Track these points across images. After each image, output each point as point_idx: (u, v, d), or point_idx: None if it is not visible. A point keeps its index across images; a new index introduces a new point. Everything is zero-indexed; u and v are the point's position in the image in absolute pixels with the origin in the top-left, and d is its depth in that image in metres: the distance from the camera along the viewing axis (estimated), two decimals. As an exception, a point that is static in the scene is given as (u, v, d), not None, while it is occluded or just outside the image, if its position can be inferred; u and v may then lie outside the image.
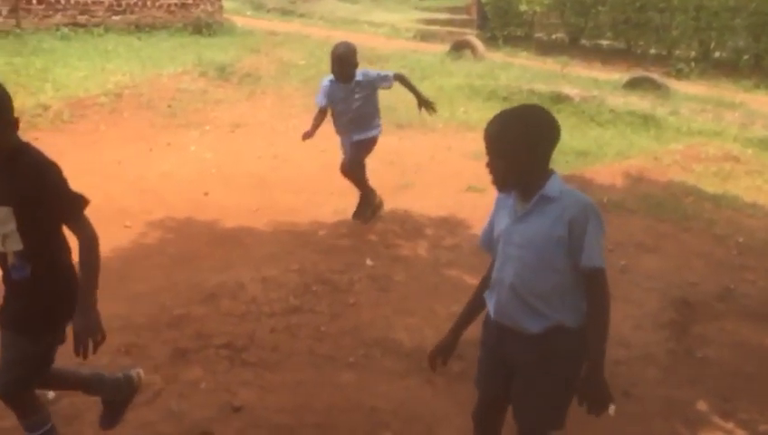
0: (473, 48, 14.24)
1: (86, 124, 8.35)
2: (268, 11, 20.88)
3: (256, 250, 5.07)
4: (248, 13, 19.48)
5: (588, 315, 2.19)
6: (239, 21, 15.62)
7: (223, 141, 8.25)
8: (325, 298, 4.34)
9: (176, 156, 7.55)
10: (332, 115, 5.49)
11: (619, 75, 13.14)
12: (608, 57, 15.94)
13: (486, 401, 2.49)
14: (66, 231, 2.49)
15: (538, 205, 2.19)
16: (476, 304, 2.48)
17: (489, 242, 2.39)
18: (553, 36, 17.88)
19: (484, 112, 10.08)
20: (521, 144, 2.16)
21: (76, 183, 6.34)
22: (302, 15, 20.35)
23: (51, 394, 3.17)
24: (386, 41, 16.00)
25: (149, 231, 5.45)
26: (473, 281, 4.68)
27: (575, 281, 2.18)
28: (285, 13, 20.72)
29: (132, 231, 5.43)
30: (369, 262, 4.87)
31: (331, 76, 5.41)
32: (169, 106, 9.33)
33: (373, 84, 5.39)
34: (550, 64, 14.18)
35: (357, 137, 5.40)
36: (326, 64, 11.97)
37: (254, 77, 11.00)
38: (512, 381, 2.34)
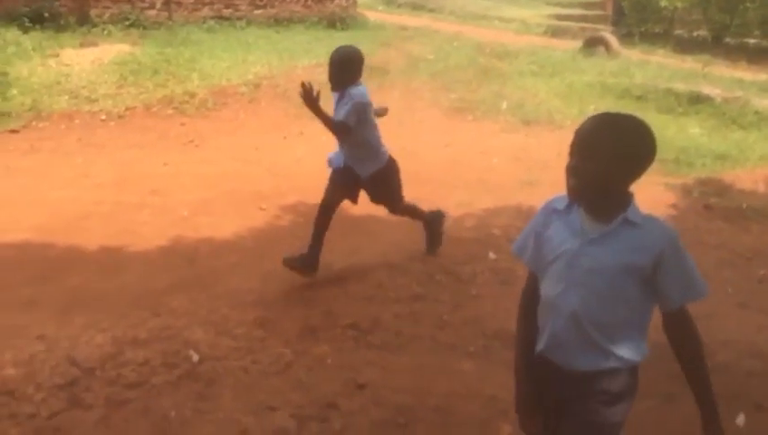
0: (606, 44, 13.80)
1: (227, 112, 8.87)
2: (399, 6, 21.17)
3: (382, 238, 5.23)
4: (380, 8, 19.85)
5: (690, 356, 1.97)
6: (371, 15, 15.97)
7: (352, 132, 8.51)
8: (448, 288, 4.42)
9: (307, 144, 7.87)
10: None
11: (766, 76, 12.30)
12: (754, 56, 14.96)
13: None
14: None
15: (619, 229, 1.94)
16: (535, 326, 2.12)
17: (525, 250, 2.13)
18: (695, 34, 17.00)
19: (617, 111, 9.78)
20: (620, 152, 1.90)
21: (217, 167, 6.80)
22: (432, 10, 20.47)
23: (195, 357, 3.46)
24: (515, 36, 15.81)
25: (283, 214, 5.75)
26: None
27: (642, 316, 1.98)
28: (416, 8, 20.91)
29: (267, 213, 5.74)
30: (491, 255, 4.91)
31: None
32: (303, 97, 9.71)
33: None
34: (689, 63, 13.50)
35: (360, 171, 4.51)
36: (455, 59, 12.15)
37: (384, 70, 11.22)
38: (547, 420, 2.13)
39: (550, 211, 2.07)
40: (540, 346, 2.06)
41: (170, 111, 8.62)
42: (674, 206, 6.37)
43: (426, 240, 4.86)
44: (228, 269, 4.61)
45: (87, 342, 3.51)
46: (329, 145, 7.89)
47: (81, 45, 10.03)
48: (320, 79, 10.31)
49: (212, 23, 12.59)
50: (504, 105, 9.86)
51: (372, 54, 11.72)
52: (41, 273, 4.40)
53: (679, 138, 8.69)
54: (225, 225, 5.39)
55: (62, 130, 7.74)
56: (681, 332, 1.97)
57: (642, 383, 3.43)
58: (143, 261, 4.70)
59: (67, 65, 9.15)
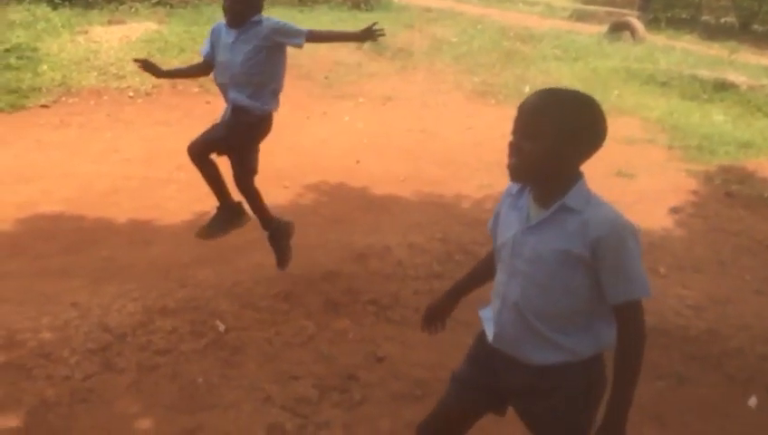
0: (632, 30, 13.69)
1: (251, 91, 8.97)
2: (423, -13, 21.04)
3: (403, 217, 5.32)
4: (404, -11, 19.75)
5: (619, 354, 1.77)
6: (395, -4, 15.95)
7: (375, 113, 8.59)
8: (467, 267, 4.47)
9: (330, 125, 7.98)
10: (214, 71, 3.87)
11: (795, 64, 12.17)
12: (784, 44, 14.76)
13: (441, 418, 2.07)
14: None
15: (556, 215, 1.77)
16: (483, 273, 2.10)
17: (492, 230, 2.02)
18: (722, 20, 16.78)
19: (640, 97, 9.76)
20: (561, 131, 1.72)
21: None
22: (456, -8, 20.34)
23: (221, 327, 3.59)
24: (540, 20, 15.71)
25: (305, 193, 5.86)
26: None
27: (592, 305, 1.80)
28: (440, -11, 20.79)
29: (290, 191, 5.85)
30: (511, 237, 4.98)
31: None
32: (326, 78, 9.80)
33: (275, 37, 3.64)
34: (716, 50, 13.36)
35: (237, 97, 3.71)
36: (478, 42, 12.14)
37: (407, 52, 11.26)
38: (486, 411, 2.03)
39: (506, 194, 1.93)
40: (489, 337, 1.93)
41: (196, 90, 8.74)
42: (695, 192, 6.39)
43: (274, 254, 4.18)
44: (252, 244, 4.72)
45: (118, 310, 3.65)
46: (352, 126, 8.01)
47: (110, 23, 10.17)
48: (344, 60, 10.40)
49: (237, 2, 12.64)
50: (527, 89, 9.85)
51: (396, 36, 11.76)
52: (73, 244, 4.55)
53: (703, 125, 8.66)
54: (249, 201, 5.50)
55: (91, 106, 7.89)
56: (620, 329, 1.78)
57: (655, 365, 3.54)
58: (170, 234, 4.83)
59: (96, 42, 9.29)
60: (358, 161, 6.70)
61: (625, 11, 17.43)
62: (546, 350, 1.82)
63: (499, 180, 6.19)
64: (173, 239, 4.74)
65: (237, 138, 3.83)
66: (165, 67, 4.11)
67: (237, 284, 4.05)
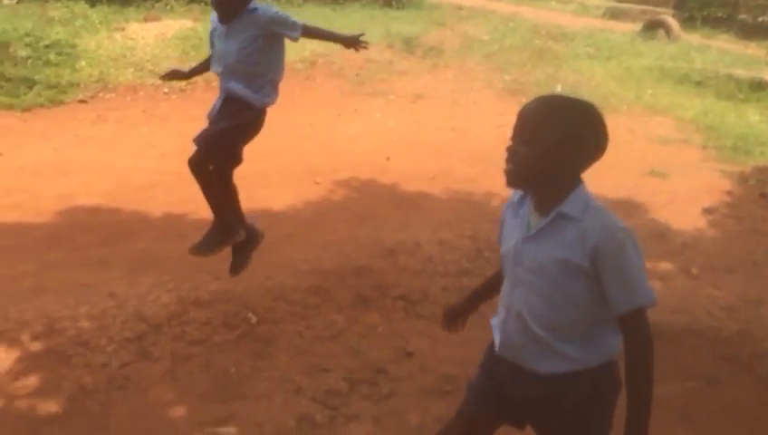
0: (667, 28, 13.51)
1: (284, 88, 8.98)
2: (455, -15, 20.99)
3: (433, 214, 5.34)
4: (436, -14, 19.73)
5: (628, 366, 1.72)
6: (427, -6, 15.95)
7: (405, 111, 8.62)
8: (496, 265, 4.50)
9: (361, 122, 8.03)
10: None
11: (835, 63, 11.90)
12: (823, 43, 14.42)
13: (459, 426, 2.03)
14: None
15: (554, 223, 1.75)
16: (499, 281, 2.03)
17: (499, 239, 2.00)
18: (759, 19, 16.43)
19: (675, 96, 9.65)
20: (557, 137, 1.70)
21: (273, 141, 6.99)
22: (488, -10, 20.25)
23: (253, 319, 3.65)
24: (573, 18, 15.58)
25: (336, 188, 5.91)
26: (647, 265, 4.66)
27: (597, 315, 1.76)
28: (472, -13, 20.73)
29: (321, 187, 5.92)
30: (541, 236, 4.98)
31: None
32: (357, 75, 9.85)
33: (272, 26, 3.48)
34: (752, 49, 13.15)
35: (231, 87, 3.52)
36: (510, 40, 12.08)
37: (438, 50, 11.26)
38: (502, 421, 1.99)
39: (509, 202, 1.91)
40: (496, 347, 1.92)
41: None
42: (729, 193, 6.31)
43: (233, 257, 3.88)
44: (284, 239, 4.80)
45: (154, 300, 3.74)
46: (383, 123, 8.05)
47: (146, 20, 10.35)
48: (375, 57, 10.45)
49: (270, 1, 12.76)
50: (559, 88, 9.80)
51: (427, 34, 11.78)
52: (111, 236, 4.67)
53: (738, 125, 8.53)
54: (280, 197, 5.58)
55: (127, 102, 8.06)
56: (626, 339, 1.74)
57: (685, 365, 3.52)
58: (203, 229, 4.88)
59: (132, 39, 9.47)
60: (388, 158, 6.74)
61: (660, 9, 17.19)
62: (551, 359, 1.79)
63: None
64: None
65: (227, 125, 3.56)
66: (186, 68, 4.08)
67: (269, 277, 4.12)
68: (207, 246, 3.73)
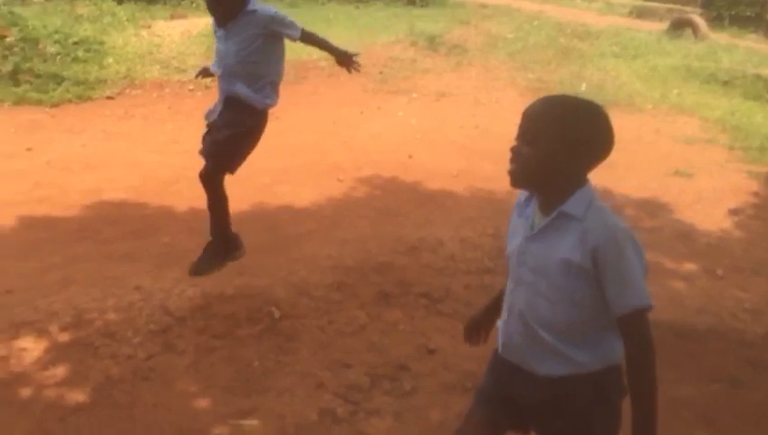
0: (694, 27, 13.36)
1: (307, 85, 9.11)
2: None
3: (455, 212, 5.35)
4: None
5: (629, 371, 1.69)
6: (451, -7, 15.93)
7: (428, 109, 8.62)
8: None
9: (384, 120, 8.04)
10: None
11: None
12: None
13: (467, 431, 2.00)
14: None
15: (555, 223, 1.74)
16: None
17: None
18: (790, 18, 16.19)
19: (701, 96, 9.54)
20: (559, 138, 1.71)
21: (296, 139, 7.06)
22: (512, -12, 20.16)
23: (277, 314, 3.69)
24: (598, 17, 15.46)
25: (359, 186, 5.94)
26: (671, 265, 4.68)
27: (600, 319, 1.73)
28: (496, -15, 20.66)
29: (344, 184, 5.94)
30: (564, 235, 4.96)
31: None
32: (381, 73, 9.87)
33: (271, 25, 3.47)
34: (782, 48, 12.93)
35: (230, 88, 3.54)
36: (534, 38, 12.03)
37: (462, 48, 11.24)
38: (508, 426, 1.95)
39: (517, 203, 1.89)
40: (500, 349, 1.90)
41: (253, 83, 8.92)
42: (755, 194, 6.24)
43: (201, 256, 3.82)
44: (307, 235, 4.84)
45: (179, 294, 3.79)
46: (406, 121, 8.06)
47: (172, 17, 10.47)
48: (399, 55, 10.46)
49: (295, -2, 12.85)
50: (583, 87, 9.74)
51: (451, 32, 11.76)
52: (137, 230, 4.73)
53: (766, 125, 8.43)
54: (303, 193, 5.62)
55: (153, 98, 8.15)
56: (626, 343, 1.70)
57: (709, 368, 3.49)
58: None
59: (158, 36, 9.58)
60: (411, 156, 6.75)
61: (687, 8, 16.99)
62: (551, 361, 1.77)
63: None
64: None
65: (232, 132, 3.56)
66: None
67: (293, 273, 4.16)
68: (207, 264, 3.71)
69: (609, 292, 1.67)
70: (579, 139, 1.72)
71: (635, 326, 1.67)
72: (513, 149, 1.77)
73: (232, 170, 3.68)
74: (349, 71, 3.75)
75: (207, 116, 3.70)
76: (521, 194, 1.88)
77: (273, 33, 3.47)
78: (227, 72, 3.51)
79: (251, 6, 3.45)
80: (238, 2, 3.44)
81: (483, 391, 1.99)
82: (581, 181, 1.75)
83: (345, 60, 3.71)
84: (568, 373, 1.76)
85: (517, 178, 1.77)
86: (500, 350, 1.89)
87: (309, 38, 3.62)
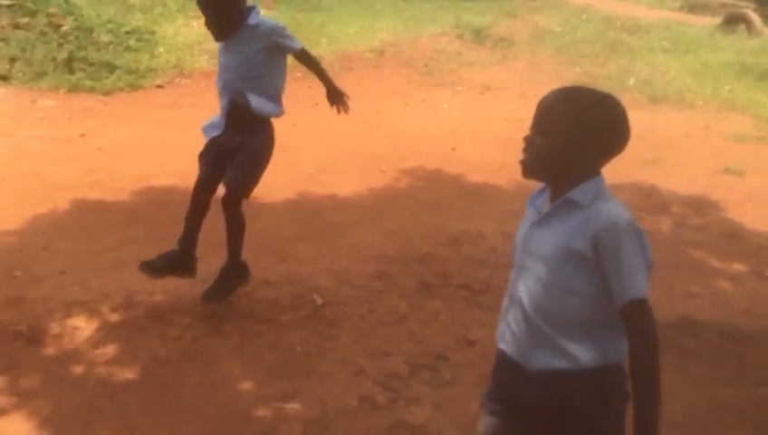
0: (748, 22, 12.99)
1: (352, 77, 9.14)
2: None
3: (498, 205, 5.33)
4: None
5: (631, 364, 1.65)
6: (498, -15, 15.79)
7: (473, 102, 8.60)
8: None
9: (428, 112, 8.05)
10: None
11: None
12: None
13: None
14: None
15: (561, 209, 1.73)
16: None
17: None
18: None
19: (754, 93, 9.30)
20: (572, 130, 1.69)
21: (340, 130, 7.10)
22: (561, -19, 19.88)
23: (319, 301, 3.75)
24: (648, 10, 15.14)
25: (402, 177, 5.97)
26: (718, 265, 4.60)
27: (602, 313, 1.70)
28: (544, -22, 20.39)
29: (387, 176, 5.98)
30: (608, 230, 4.91)
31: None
32: (426, 65, 9.86)
33: (273, 37, 3.42)
34: (842, 45, 12.48)
35: (232, 101, 3.47)
36: (582, 32, 11.85)
37: (508, 41, 11.14)
38: (515, 428, 1.89)
39: (531, 196, 1.88)
40: (498, 342, 1.87)
41: (299, 75, 8.89)
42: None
43: (214, 283, 3.62)
44: (350, 224, 4.89)
45: (224, 279, 3.88)
46: (450, 113, 8.05)
47: (221, 8, 10.61)
48: (444, 48, 10.44)
49: (352, -10, 12.89)
50: (632, 81, 9.58)
51: (497, 25, 11.67)
52: (183, 215, 4.84)
53: (822, 124, 8.17)
54: (347, 183, 5.68)
55: (201, 88, 8.29)
56: (628, 335, 1.66)
57: (756, 369, 3.43)
58: (273, 212, 5.06)
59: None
60: (454, 148, 6.75)
61: (741, 3, 16.52)
62: (547, 353, 1.72)
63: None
64: (275, 216, 4.97)
65: (251, 159, 3.52)
66: None
67: (335, 261, 4.21)
68: (222, 292, 3.60)
69: (611, 282, 1.65)
70: (593, 132, 1.71)
71: (636, 318, 1.64)
72: (526, 139, 1.77)
73: (248, 195, 3.61)
74: (338, 111, 3.71)
75: (206, 130, 3.63)
76: (536, 187, 1.87)
77: (274, 46, 3.42)
78: (229, 87, 3.47)
79: (252, 21, 3.38)
80: (235, 18, 3.35)
81: (488, 395, 1.94)
82: (594, 174, 1.75)
83: (336, 97, 3.66)
84: (563, 368, 1.71)
85: (529, 169, 1.77)
86: (498, 341, 1.86)
87: (307, 58, 3.59)
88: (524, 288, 1.76)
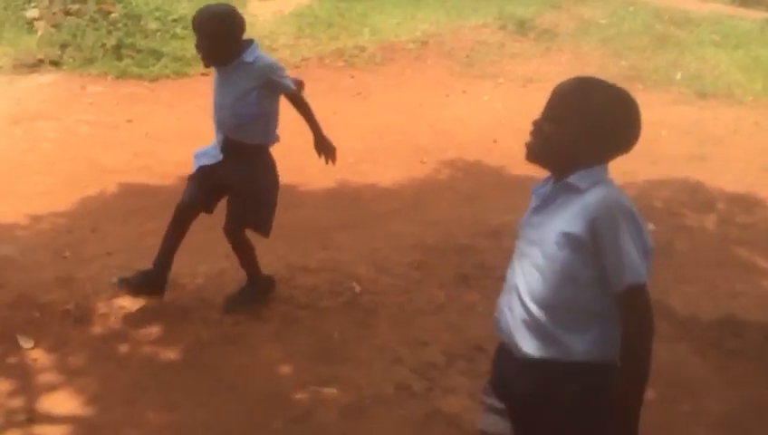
0: (803, 16, 12.59)
1: (394, 67, 9.15)
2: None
3: (539, 199, 5.30)
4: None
5: (621, 347, 1.64)
6: (543, -24, 15.57)
7: (514, 94, 8.51)
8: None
9: (469, 103, 8.01)
10: None
11: None
12: None
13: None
14: None
15: (559, 193, 1.72)
16: None
17: None
18: None
19: (807, 89, 9.01)
20: (581, 121, 1.69)
21: (382, 119, 7.12)
22: (608, -28, 19.51)
23: (357, 288, 3.79)
24: (699, 3, 14.76)
25: (442, 168, 5.97)
26: (765, 264, 4.49)
27: (597, 305, 1.67)
28: (591, -31, 20.03)
29: (427, 167, 5.99)
30: (651, 226, 4.83)
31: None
32: (468, 56, 9.79)
33: (268, 73, 3.37)
34: None
35: (226, 137, 3.48)
36: (629, 24, 11.63)
37: (552, 33, 10.99)
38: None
39: (537, 186, 1.87)
40: (494, 327, 1.87)
41: (341, 64, 9.04)
42: None
43: (240, 291, 3.62)
44: (389, 214, 4.92)
45: (265, 265, 3.92)
46: (491, 105, 8.00)
47: (265, -3, 10.70)
48: (487, 39, 10.36)
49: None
50: (679, 76, 9.38)
51: (541, 16, 11.51)
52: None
53: None
54: (387, 173, 5.70)
55: (247, 76, 8.40)
56: (622, 319, 1.64)
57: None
58: (313, 199, 5.12)
59: (252, 15, 9.79)
60: (495, 141, 6.70)
61: (797, -5, 16.02)
62: (537, 339, 1.70)
63: (643, 168, 6.00)
64: (315, 204, 5.02)
65: (262, 200, 3.52)
66: None
67: (374, 250, 4.24)
68: (241, 301, 3.57)
69: (608, 268, 1.64)
70: (601, 127, 1.71)
71: (632, 303, 1.63)
72: (535, 123, 1.77)
73: (266, 232, 3.56)
74: (326, 162, 3.66)
75: (199, 157, 3.58)
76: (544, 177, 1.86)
77: (268, 84, 3.35)
78: (223, 124, 3.45)
79: (248, 57, 3.31)
80: (230, 50, 3.30)
81: (487, 391, 1.94)
82: (598, 164, 1.75)
83: (324, 147, 3.62)
84: (552, 357, 1.69)
85: (533, 153, 1.78)
86: (493, 327, 1.86)
87: (300, 101, 3.53)
88: (521, 273, 1.76)
